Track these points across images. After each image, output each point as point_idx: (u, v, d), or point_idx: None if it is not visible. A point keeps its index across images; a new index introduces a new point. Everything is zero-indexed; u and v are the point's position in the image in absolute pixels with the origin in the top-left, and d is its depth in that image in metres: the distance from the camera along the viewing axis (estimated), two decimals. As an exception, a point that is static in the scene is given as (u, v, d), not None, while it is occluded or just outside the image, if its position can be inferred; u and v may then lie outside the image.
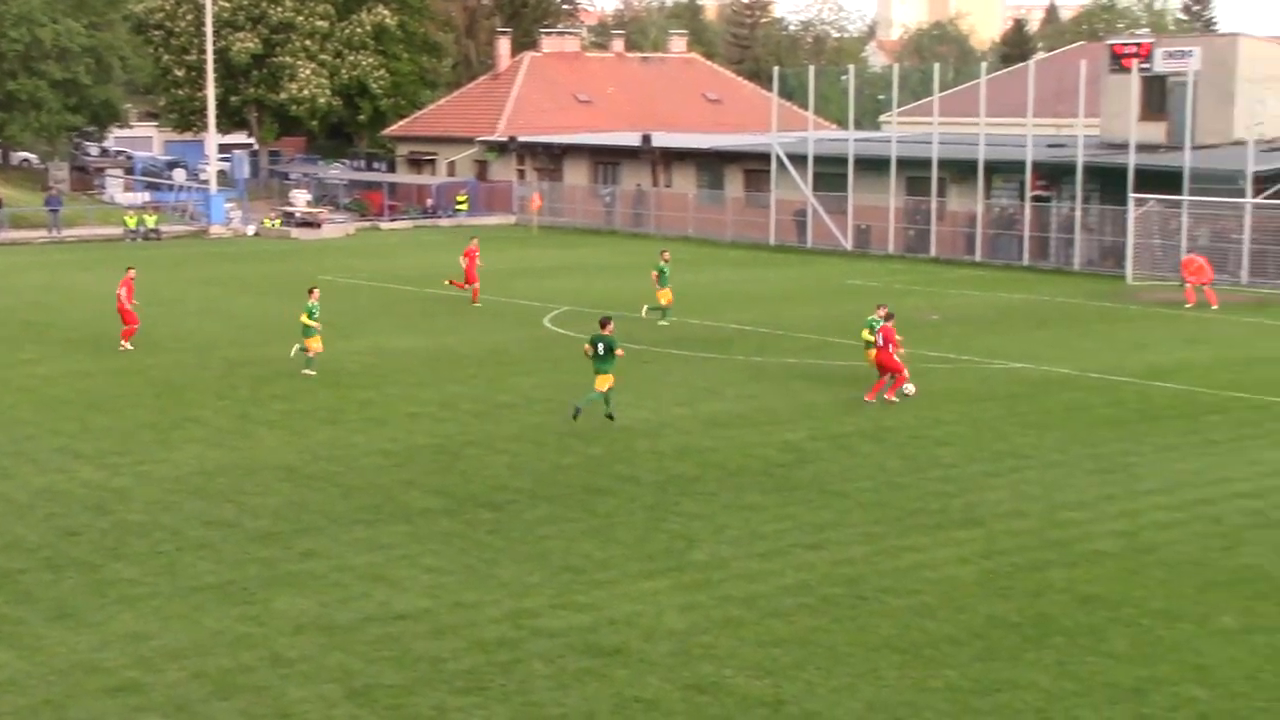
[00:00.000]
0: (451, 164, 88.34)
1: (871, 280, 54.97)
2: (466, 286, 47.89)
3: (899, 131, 68.95)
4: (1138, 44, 62.71)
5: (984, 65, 75.10)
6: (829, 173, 66.93)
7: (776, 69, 76.73)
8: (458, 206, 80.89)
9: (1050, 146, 63.22)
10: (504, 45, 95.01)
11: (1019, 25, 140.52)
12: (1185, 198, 54.69)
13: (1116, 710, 15.73)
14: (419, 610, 18.76)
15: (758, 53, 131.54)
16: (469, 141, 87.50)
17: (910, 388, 31.96)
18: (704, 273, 57.52)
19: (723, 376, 34.85)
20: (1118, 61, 62.12)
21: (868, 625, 18.23)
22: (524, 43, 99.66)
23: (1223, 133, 59.72)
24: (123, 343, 38.53)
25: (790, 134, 71.93)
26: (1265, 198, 53.75)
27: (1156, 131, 61.02)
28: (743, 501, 23.75)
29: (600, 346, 29.16)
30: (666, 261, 44.39)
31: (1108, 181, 59.19)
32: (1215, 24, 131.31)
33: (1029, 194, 60.27)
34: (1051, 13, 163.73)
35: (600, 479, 25.28)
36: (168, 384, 33.85)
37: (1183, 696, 16.08)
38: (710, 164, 75.56)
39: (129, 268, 40.13)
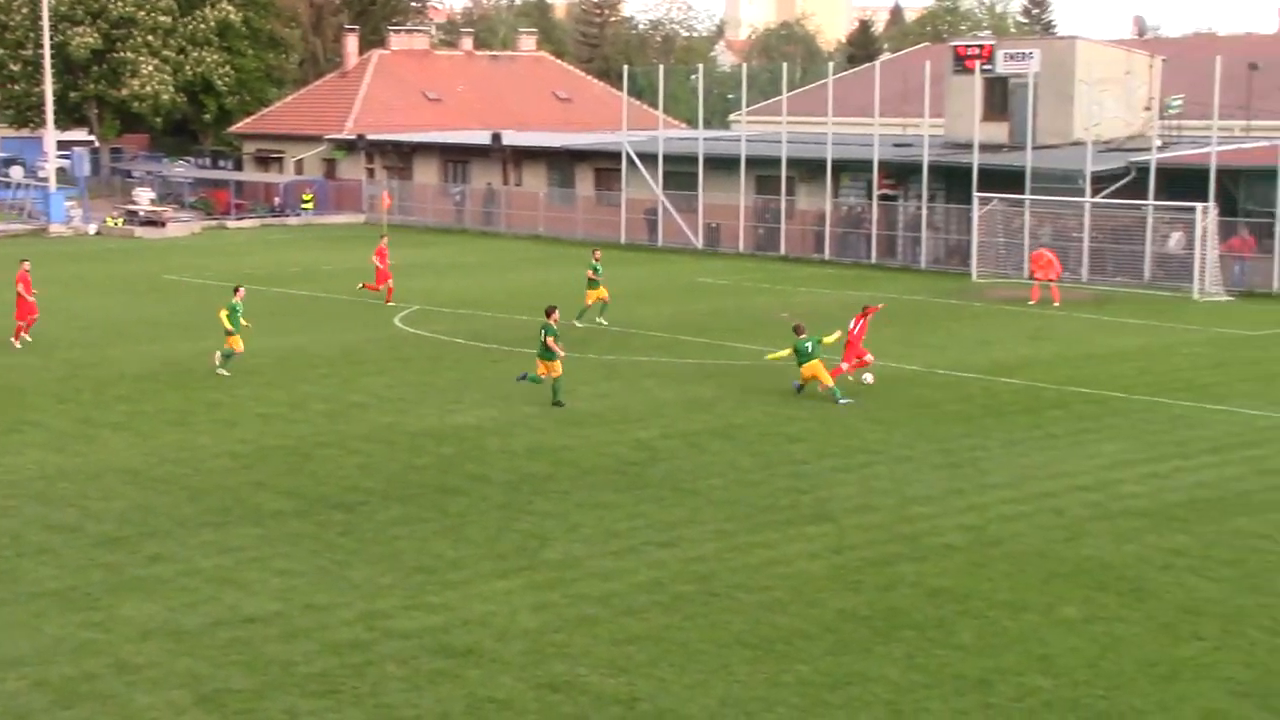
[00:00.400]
0: (299, 162, 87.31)
1: (722, 278, 55.33)
2: (380, 288, 47.41)
3: (748, 130, 69.51)
4: (980, 46, 63.82)
5: (831, 65, 76.00)
6: (679, 171, 67.22)
7: (626, 68, 76.95)
8: (303, 205, 79.97)
9: (896, 146, 64.09)
10: (352, 42, 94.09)
11: (864, 26, 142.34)
12: (1027, 197, 55.76)
13: (964, 701, 15.99)
14: (269, 613, 18.52)
15: (607, 52, 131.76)
16: (317, 139, 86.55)
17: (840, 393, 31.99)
18: (555, 271, 57.45)
19: (575, 375, 34.81)
20: (961, 63, 63.15)
21: (720, 622, 18.34)
22: (372, 40, 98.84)
23: (1062, 133, 61.00)
24: (22, 336, 38.67)
25: (640, 133, 72.13)
26: (1103, 197, 55.01)
27: (999, 132, 62.14)
28: (596, 500, 23.77)
29: (541, 333, 31.05)
30: (598, 260, 43.93)
31: (953, 181, 60.17)
32: (1054, 27, 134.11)
33: (876, 193, 61.07)
34: (896, 14, 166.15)
35: (452, 479, 25.15)
36: (6, 387, 33.04)
37: (1027, 686, 16.40)
38: (561, 163, 75.50)
39: (23, 260, 40.17)
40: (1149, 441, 28.19)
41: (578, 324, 41.51)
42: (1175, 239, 53.51)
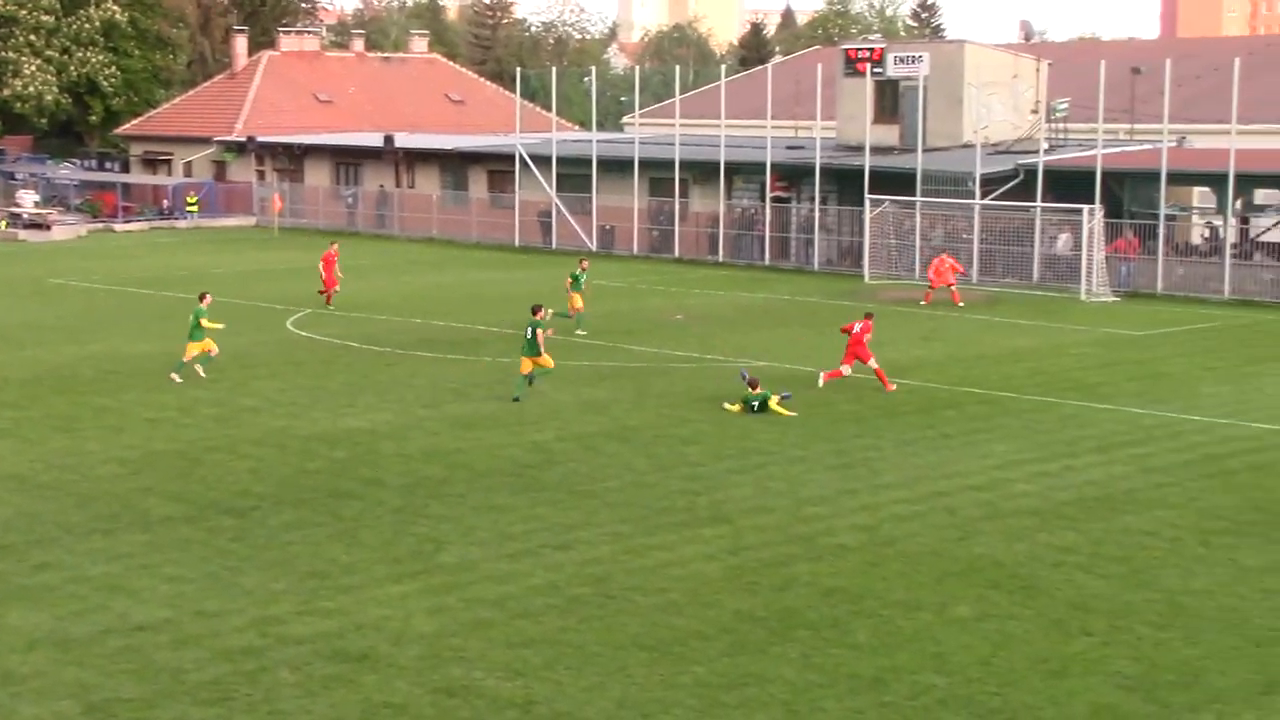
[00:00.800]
0: (188, 164, 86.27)
1: (616, 280, 55.37)
2: (329, 291, 46.70)
3: (641, 133, 69.67)
4: (870, 49, 64.41)
5: (723, 68, 76.34)
6: (573, 174, 67.22)
7: (519, 70, 76.88)
8: (188, 208, 78.96)
9: (789, 148, 64.51)
10: (241, 43, 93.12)
11: (756, 29, 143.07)
12: (918, 199, 56.33)
13: (859, 700, 16.10)
14: (159, 621, 18.26)
15: (500, 54, 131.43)
16: (206, 141, 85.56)
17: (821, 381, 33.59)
18: (449, 274, 57.30)
19: (470, 378, 34.73)
20: (852, 66, 63.68)
21: (616, 624, 18.33)
22: (261, 41, 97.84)
23: (952, 136, 61.69)
24: None
25: (534, 135, 72.05)
26: (992, 199, 55.69)
27: (890, 134, 62.74)
28: (491, 503, 23.69)
29: (528, 330, 31.96)
30: (584, 270, 43.19)
31: (845, 183, 60.66)
32: (943, 31, 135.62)
33: (769, 195, 61.39)
34: (788, 17, 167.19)
35: (346, 483, 24.96)
36: (-114, 393, 32.35)
37: (922, 684, 16.54)
38: (454, 165, 75.23)
39: None
40: (1039, 441, 28.56)
41: (580, 333, 41.00)
42: (1063, 240, 54.31)
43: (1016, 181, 55.97)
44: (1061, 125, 60.42)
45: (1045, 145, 56.71)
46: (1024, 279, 54.11)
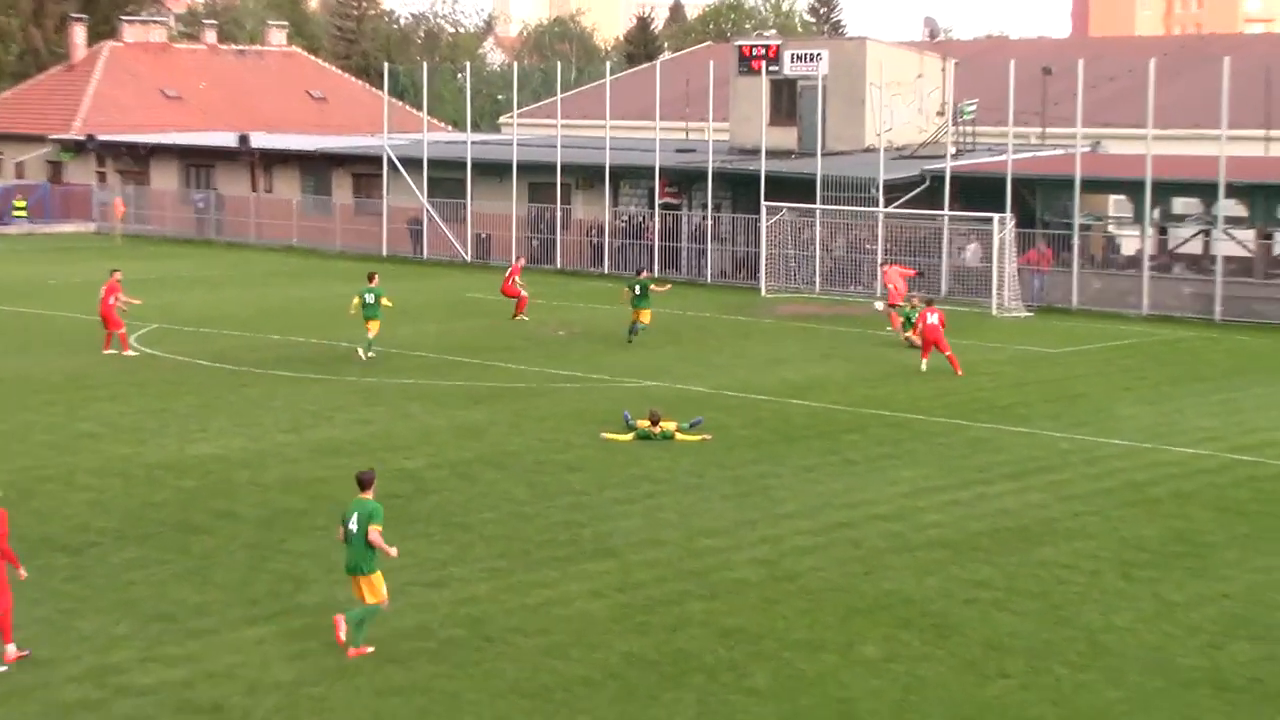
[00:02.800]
0: (20, 164, 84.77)
1: (493, 294, 55.12)
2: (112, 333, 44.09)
3: (520, 134, 69.47)
4: (766, 46, 64.76)
5: (608, 65, 76.49)
6: (446, 178, 66.93)
7: (387, 65, 76.46)
8: (15, 212, 77.50)
9: (679, 151, 64.68)
10: (79, 33, 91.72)
11: (643, 24, 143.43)
12: (818, 206, 56.62)
13: (761, 750, 15.97)
14: (-16, 672, 17.75)
15: (366, 48, 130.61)
16: (40, 139, 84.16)
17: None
18: (311, 286, 56.73)
19: (333, 400, 34.34)
20: (746, 63, 63.99)
21: (494, 669, 18.09)
22: (102, 31, 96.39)
23: (854, 139, 62.17)
24: None
25: (403, 135, 71.69)
26: (897, 206, 56.12)
27: (788, 137, 63.10)
28: (356, 537, 23.34)
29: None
30: (650, 276, 45.79)
31: (739, 189, 60.91)
32: (843, 27, 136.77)
33: (658, 202, 61.45)
34: (676, 11, 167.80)
35: (196, 515, 24.52)
36: None
37: (828, 732, 16.45)
38: (316, 167, 74.65)
39: None
40: (950, 467, 28.70)
41: (633, 336, 43.15)
42: (971, 251, 54.82)
43: (923, 188, 56.47)
44: (969, 128, 61.09)
45: (953, 150, 57.28)
46: (932, 292, 54.49)
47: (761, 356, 41.66)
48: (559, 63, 77.10)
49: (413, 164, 67.29)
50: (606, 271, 61.80)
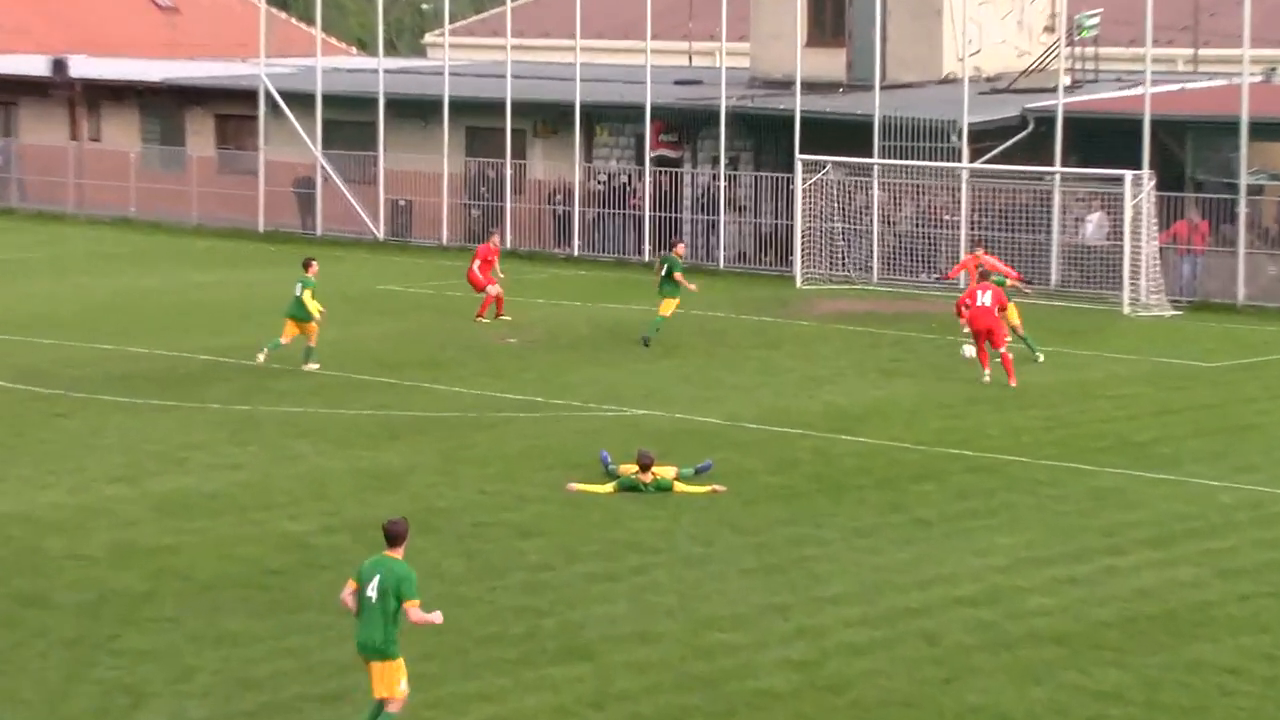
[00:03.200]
0: None
1: (415, 285, 55.13)
2: None
3: (454, 59, 69.40)
4: (804, -67, 64.76)
5: (580, -39, 76.45)
6: (348, 121, 66.96)
7: (265, -40, 76.38)
8: None
9: (679, 84, 64.64)
10: None
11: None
12: (876, 161, 56.61)
13: None
14: None
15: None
16: None
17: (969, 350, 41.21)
18: (155, 274, 56.69)
19: (187, 435, 34.33)
20: (776, -41, 63.95)
21: (418, 819, 18.02)
22: None
23: (927, 67, 62.11)
24: None
25: (287, 61, 71.66)
26: (988, 160, 56.09)
27: (833, 64, 63.09)
28: (219, 630, 23.37)
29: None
30: (680, 255, 47.37)
31: (765, 137, 60.91)
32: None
33: (649, 155, 61.42)
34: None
35: (-9, 601, 24.50)
36: None
37: None
38: (163, 107, 74.79)
39: None
40: (1063, 529, 28.70)
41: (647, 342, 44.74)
42: (1094, 224, 54.85)
43: (1024, 135, 56.50)
44: (1090, 50, 61.13)
45: (1067, 81, 57.29)
46: (1038, 282, 54.54)
47: (796, 374, 41.67)
48: (509, -43, 77.13)
49: (301, 101, 67.24)
50: (576, 254, 61.76)
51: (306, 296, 41.10)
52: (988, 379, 39.75)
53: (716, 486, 30.64)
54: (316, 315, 40.95)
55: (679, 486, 30.43)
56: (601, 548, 27.37)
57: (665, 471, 30.58)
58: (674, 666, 22.37)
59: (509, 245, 62.65)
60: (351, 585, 19.39)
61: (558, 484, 30.96)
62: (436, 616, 19.50)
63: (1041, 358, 42.46)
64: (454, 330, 47.01)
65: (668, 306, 44.90)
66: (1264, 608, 24.84)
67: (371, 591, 19.16)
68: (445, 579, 25.70)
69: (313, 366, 40.95)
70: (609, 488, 30.48)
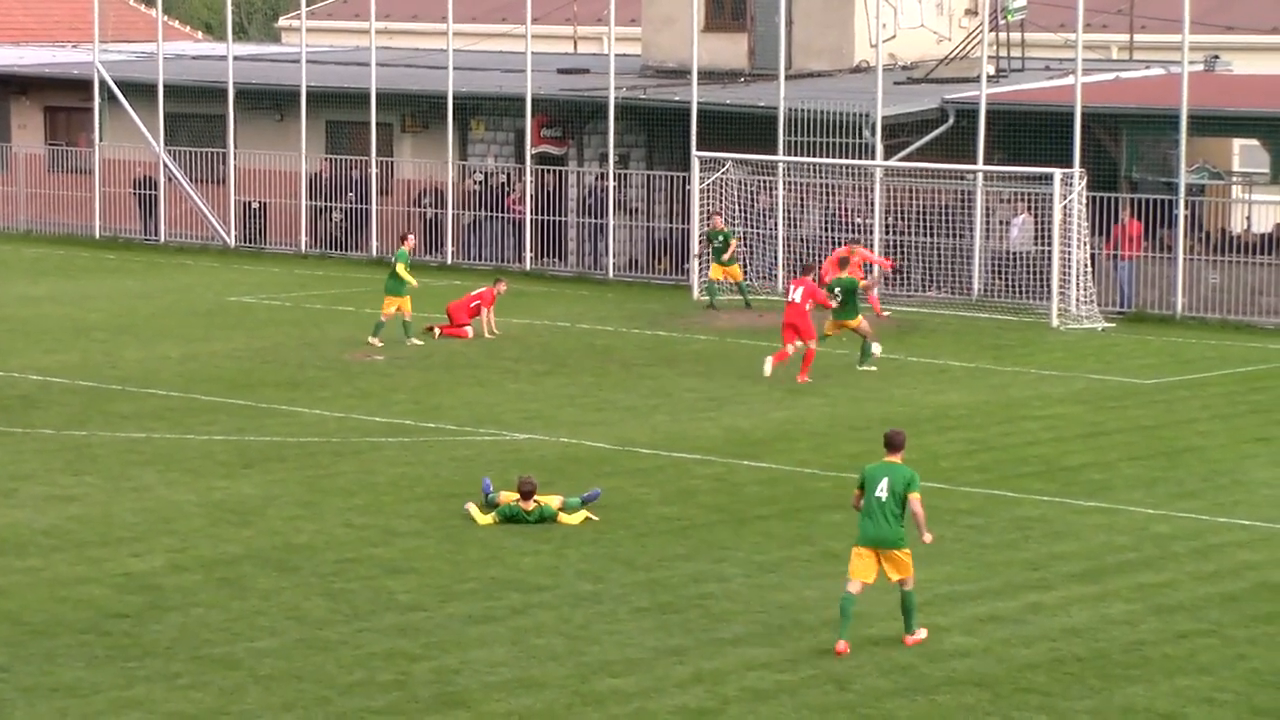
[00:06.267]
0: None
1: (272, 295, 55.04)
2: None
3: (312, 45, 69.39)
4: (700, -94, 65.07)
5: (452, -64, 76.55)
6: (195, 114, 66.89)
7: (101, -66, 76.14)
8: None
9: (563, 73, 64.76)
10: None
11: None
12: (781, 158, 56.88)
13: None
14: None
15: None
16: None
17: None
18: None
19: (15, 464, 34.20)
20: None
21: None
22: None
23: (838, 53, 62.41)
24: None
25: (125, 47, 71.46)
26: (903, 157, 56.42)
27: (734, 50, 63.33)
28: (56, 681, 23.33)
29: (838, 290, 42.82)
30: (721, 230, 54.07)
31: (658, 131, 61.13)
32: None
33: (530, 152, 61.54)
34: None
35: None
36: None
37: None
38: (-16, 96, 74.37)
39: None
40: (986, 562, 29.03)
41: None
42: (1020, 227, 55.17)
43: (944, 129, 56.90)
44: (1017, 37, 61.56)
45: (990, 70, 57.65)
46: (959, 292, 54.96)
47: (694, 394, 41.89)
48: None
49: (141, 92, 67.06)
50: (450, 262, 61.80)
51: (401, 269, 47.10)
52: (770, 372, 42.08)
53: (591, 515, 30.82)
54: (412, 285, 47.19)
55: (564, 518, 30.64)
56: (479, 586, 27.52)
57: (550, 500, 30.81)
58: (560, 716, 22.52)
59: (374, 254, 62.77)
60: (857, 492, 24.86)
61: (430, 516, 31.09)
62: (927, 537, 25.05)
63: (871, 369, 44.25)
64: (315, 347, 46.99)
65: (721, 272, 50.56)
66: (1202, 647, 25.15)
67: (881, 492, 24.43)
68: (306, 621, 25.80)
69: (415, 342, 46.87)
70: (489, 519, 30.65)
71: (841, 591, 24.89)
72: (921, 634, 25.02)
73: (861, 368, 44.24)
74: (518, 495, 30.69)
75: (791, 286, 42.54)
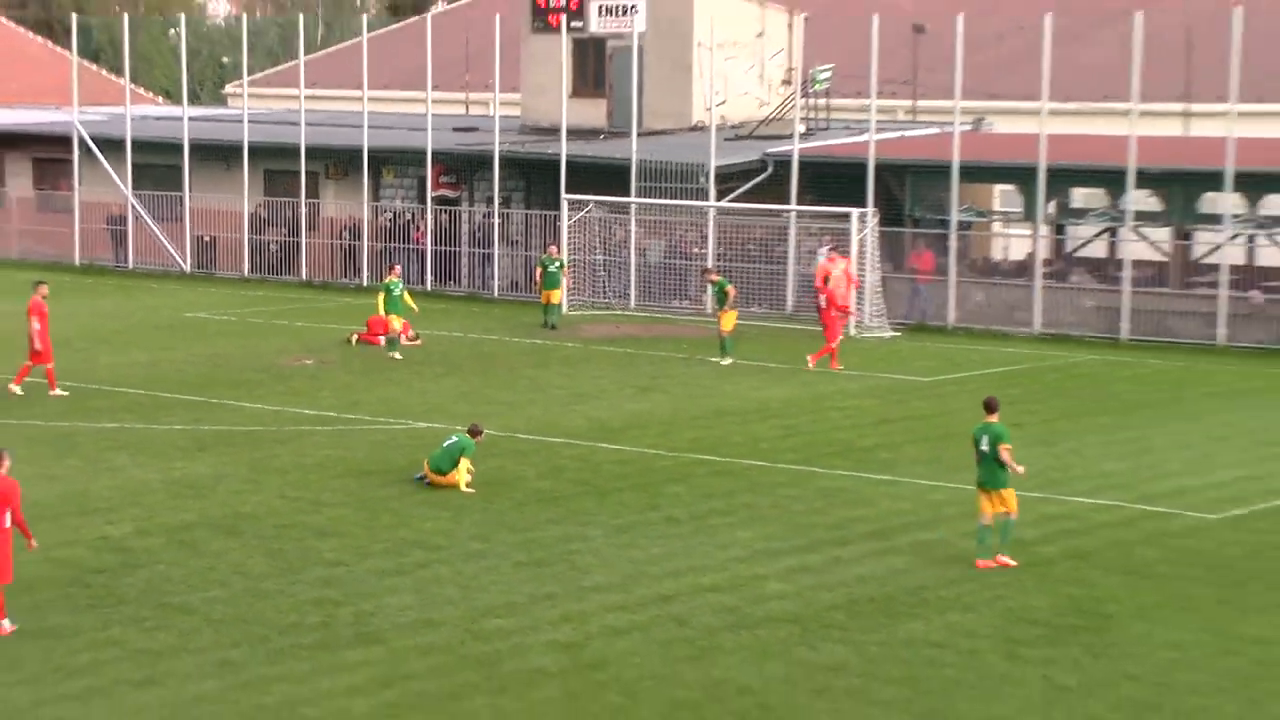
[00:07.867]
0: None
1: (220, 313, 54.88)
2: None
3: (252, 108, 69.17)
4: (568, -5, 65.16)
5: (365, 19, 76.40)
6: (156, 164, 66.46)
7: (75, 18, 75.55)
8: None
9: (458, 130, 64.83)
10: None
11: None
12: (633, 200, 57.21)
13: None
14: None
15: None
16: None
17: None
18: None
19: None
20: (542, 18, 64.28)
21: (228, 787, 18.25)
22: None
23: (679, 115, 62.74)
24: None
25: (98, 109, 71.05)
26: (732, 200, 56.82)
27: (595, 112, 63.53)
28: (43, 625, 23.29)
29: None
30: (555, 258, 52.97)
31: (535, 178, 61.38)
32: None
33: (430, 195, 61.61)
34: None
35: None
36: None
37: None
38: (-16, 150, 73.65)
39: None
40: (797, 524, 29.29)
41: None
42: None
43: (765, 176, 57.32)
44: (823, 101, 61.98)
45: (802, 129, 58.07)
46: (776, 307, 55.35)
47: (563, 390, 42.07)
48: (302, 16, 76.84)
49: (113, 146, 66.73)
50: (365, 284, 61.74)
51: (408, 297, 48.06)
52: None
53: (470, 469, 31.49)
54: (413, 310, 48.34)
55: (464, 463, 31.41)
56: (390, 545, 27.65)
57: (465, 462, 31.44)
58: (455, 649, 22.69)
59: (304, 277, 62.67)
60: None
61: (351, 490, 31.15)
62: (1020, 469, 26.69)
63: (726, 362, 45.57)
64: (255, 354, 46.91)
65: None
66: (966, 591, 25.51)
67: (984, 446, 26.42)
68: (249, 575, 25.84)
69: (396, 356, 46.18)
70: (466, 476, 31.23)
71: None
72: (1009, 560, 26.53)
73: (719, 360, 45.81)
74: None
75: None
